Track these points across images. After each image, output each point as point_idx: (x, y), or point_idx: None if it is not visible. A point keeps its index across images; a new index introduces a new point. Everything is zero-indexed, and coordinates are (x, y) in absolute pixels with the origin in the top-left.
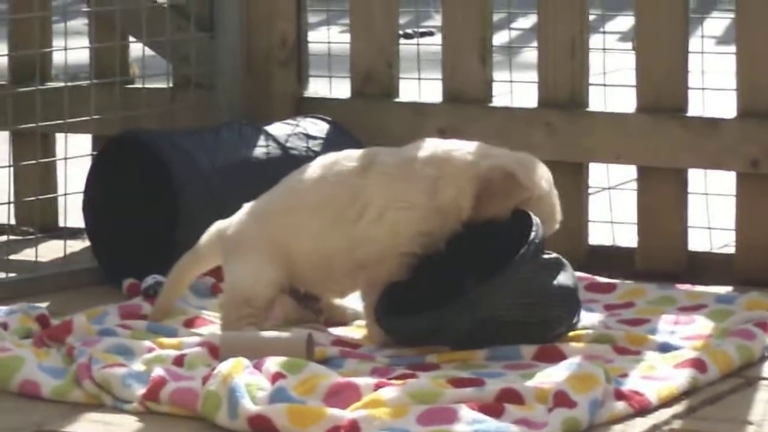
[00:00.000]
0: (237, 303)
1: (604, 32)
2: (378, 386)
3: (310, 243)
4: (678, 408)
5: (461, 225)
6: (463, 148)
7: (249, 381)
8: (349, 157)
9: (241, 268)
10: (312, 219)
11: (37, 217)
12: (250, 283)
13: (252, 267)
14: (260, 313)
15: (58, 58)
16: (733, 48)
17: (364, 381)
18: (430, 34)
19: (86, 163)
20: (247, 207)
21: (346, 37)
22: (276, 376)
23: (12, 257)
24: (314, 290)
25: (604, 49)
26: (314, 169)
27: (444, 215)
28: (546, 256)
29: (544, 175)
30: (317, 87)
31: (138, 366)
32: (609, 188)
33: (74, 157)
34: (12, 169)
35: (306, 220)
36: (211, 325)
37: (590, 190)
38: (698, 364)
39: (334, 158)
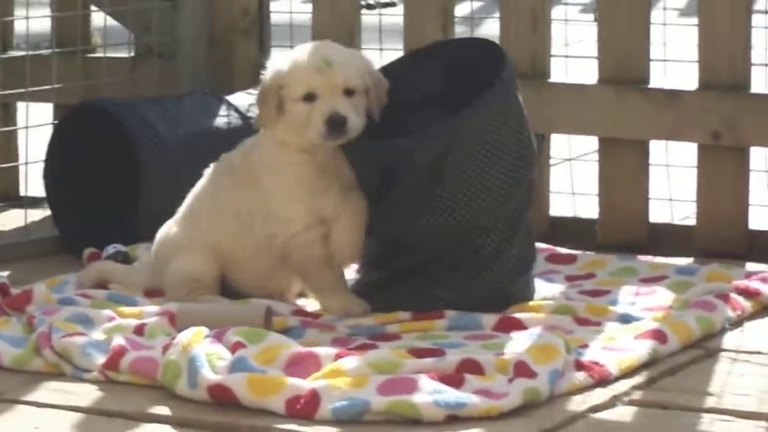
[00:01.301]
0: (184, 281)
1: (566, 4)
2: (338, 356)
3: (232, 243)
4: (638, 379)
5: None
6: None
7: (209, 350)
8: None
9: (181, 260)
10: (224, 220)
11: None
12: (194, 266)
13: (192, 256)
14: (208, 290)
15: (19, 26)
16: (695, 20)
17: (325, 351)
18: (392, 4)
19: (47, 132)
20: (179, 213)
21: (309, 7)
22: (236, 346)
23: None
24: (253, 291)
25: (566, 20)
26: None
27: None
28: None
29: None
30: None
31: (98, 335)
32: (570, 159)
33: (35, 126)
34: None
35: (228, 222)
36: None
37: (551, 161)
38: (658, 335)
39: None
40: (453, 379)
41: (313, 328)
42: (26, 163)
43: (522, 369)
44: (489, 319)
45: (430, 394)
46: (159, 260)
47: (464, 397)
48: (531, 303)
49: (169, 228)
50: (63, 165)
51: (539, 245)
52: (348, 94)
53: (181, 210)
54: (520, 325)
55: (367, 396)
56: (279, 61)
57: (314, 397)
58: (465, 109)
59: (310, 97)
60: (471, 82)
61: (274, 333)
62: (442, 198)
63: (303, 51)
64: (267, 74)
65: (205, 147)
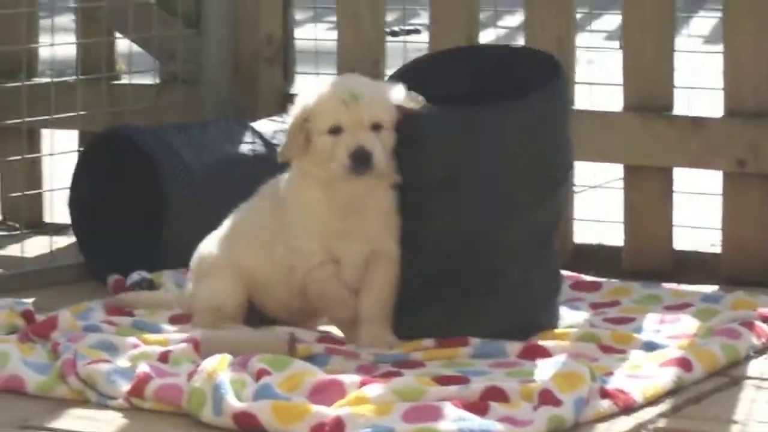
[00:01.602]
0: (209, 311)
1: (591, 31)
2: (363, 383)
3: (258, 268)
4: (663, 407)
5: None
6: None
7: (233, 378)
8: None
9: (208, 285)
10: (254, 244)
11: (23, 212)
12: (219, 294)
13: (218, 282)
14: (232, 320)
15: (44, 53)
16: (719, 47)
17: (349, 378)
18: (417, 31)
19: (72, 159)
20: (216, 231)
21: (333, 35)
22: (261, 373)
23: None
24: (278, 317)
25: (590, 47)
26: (263, 192)
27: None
28: None
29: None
30: (304, 84)
31: (123, 362)
32: (595, 186)
33: (61, 153)
34: None
35: (255, 247)
36: None
37: (576, 189)
38: (683, 363)
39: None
40: (478, 407)
41: (337, 355)
42: (51, 190)
43: (547, 397)
44: (514, 347)
45: (454, 421)
46: (194, 275)
47: (489, 424)
48: (556, 330)
49: (208, 244)
50: (88, 192)
51: (564, 273)
52: (375, 128)
53: (222, 227)
54: (544, 353)
55: (392, 424)
56: (306, 94)
57: (339, 425)
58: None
59: (335, 131)
60: (503, 85)
61: (298, 360)
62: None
63: (330, 84)
64: (294, 108)
65: (230, 174)
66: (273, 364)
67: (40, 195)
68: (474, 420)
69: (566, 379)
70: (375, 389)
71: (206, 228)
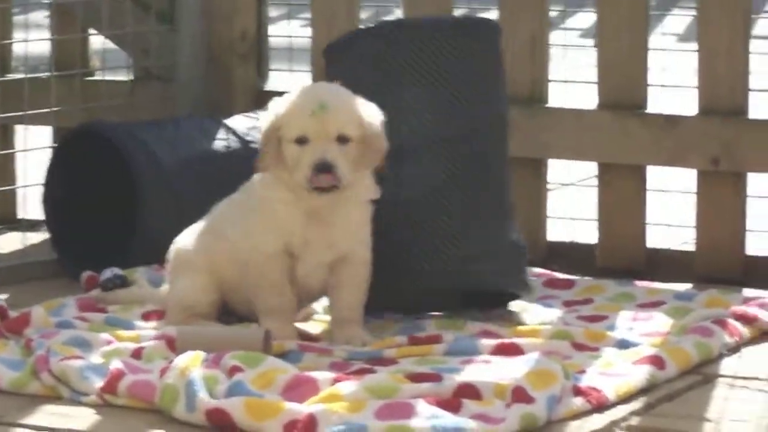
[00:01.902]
0: (181, 308)
1: (565, 29)
2: (336, 380)
3: (227, 263)
4: (636, 405)
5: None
6: None
7: (206, 374)
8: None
9: (182, 281)
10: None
11: None
12: (191, 293)
13: (191, 279)
14: (204, 318)
15: (18, 49)
16: (694, 45)
17: (322, 375)
18: None
19: (46, 156)
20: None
21: (308, 32)
22: (234, 370)
23: None
24: (246, 313)
25: (564, 45)
26: (241, 189)
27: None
28: None
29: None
30: (278, 81)
31: (96, 358)
32: (568, 184)
33: (34, 149)
34: None
35: (223, 241)
36: None
37: (549, 186)
38: (656, 361)
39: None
40: (451, 404)
41: (311, 352)
42: (25, 186)
43: (520, 394)
44: (487, 344)
45: (427, 419)
46: (169, 271)
47: (462, 422)
48: (528, 327)
49: (183, 239)
50: (61, 188)
51: (537, 270)
52: (341, 141)
53: (198, 223)
54: (517, 350)
55: (365, 420)
56: (278, 101)
57: (312, 422)
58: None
59: (302, 141)
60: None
61: (271, 357)
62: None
63: (302, 92)
64: (267, 116)
65: (204, 170)
66: (246, 361)
67: (13, 191)
68: (447, 417)
69: (539, 376)
70: (348, 386)
71: (180, 224)
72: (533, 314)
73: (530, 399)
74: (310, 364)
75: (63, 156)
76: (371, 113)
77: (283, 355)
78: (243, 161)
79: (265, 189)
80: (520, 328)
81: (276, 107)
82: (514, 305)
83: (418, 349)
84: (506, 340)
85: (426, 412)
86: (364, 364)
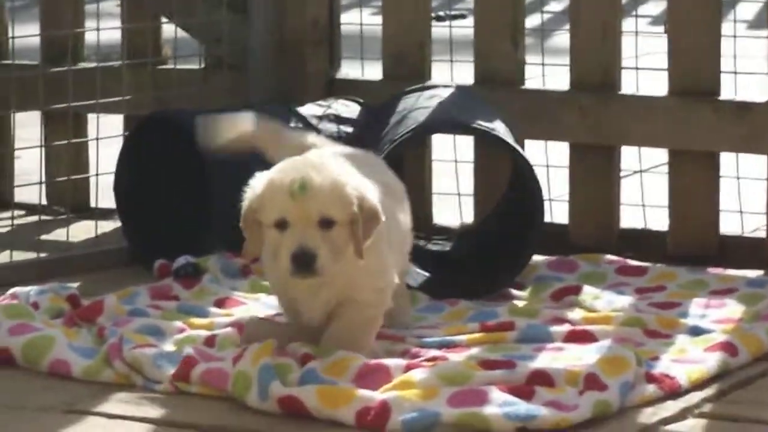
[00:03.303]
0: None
1: (636, 16)
2: (408, 367)
3: None
4: (708, 391)
5: None
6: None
7: (279, 362)
8: None
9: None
10: None
11: (68, 197)
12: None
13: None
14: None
15: (90, 38)
16: (764, 32)
17: (395, 362)
18: (462, 16)
19: (118, 144)
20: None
21: (378, 19)
22: (305, 358)
23: (43, 237)
24: None
25: (636, 32)
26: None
27: None
28: None
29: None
30: (349, 69)
31: (168, 346)
32: (640, 171)
33: (106, 137)
34: (44, 149)
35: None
36: (242, 306)
37: (622, 173)
38: (729, 348)
39: None
40: (523, 391)
41: (383, 339)
42: (97, 175)
43: (592, 381)
44: (559, 331)
45: (500, 406)
46: None
47: (534, 409)
48: (601, 314)
49: None
50: (133, 176)
51: (609, 257)
52: (324, 225)
53: None
54: (590, 337)
55: (438, 408)
56: (257, 180)
57: (385, 409)
58: None
59: (281, 225)
60: None
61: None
62: None
63: (282, 170)
64: (246, 196)
65: None
66: (318, 350)
67: (85, 179)
68: (520, 404)
69: (612, 363)
70: (421, 373)
71: None
72: (605, 301)
73: (603, 386)
74: (382, 352)
75: (135, 144)
76: (362, 191)
77: None
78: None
79: (266, 261)
80: (592, 315)
81: (254, 187)
82: (587, 292)
83: (490, 336)
84: (578, 327)
85: (498, 399)
86: (436, 351)
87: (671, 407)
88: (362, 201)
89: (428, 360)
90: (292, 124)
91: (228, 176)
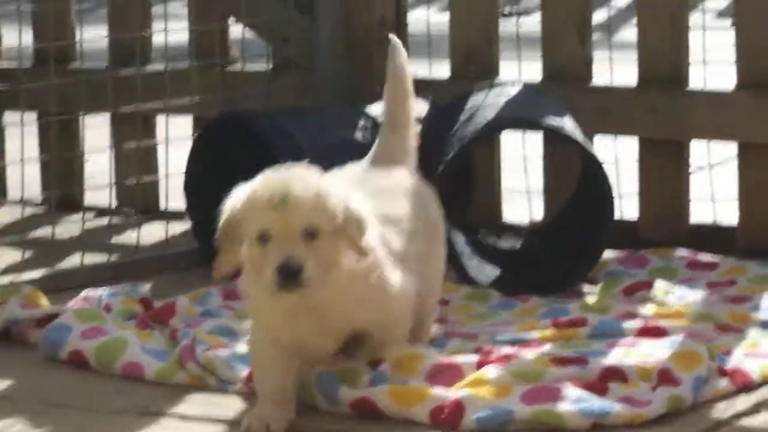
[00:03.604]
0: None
1: (703, 10)
2: (480, 365)
3: None
4: None
5: None
6: None
7: (347, 367)
8: None
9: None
10: None
11: (138, 199)
12: None
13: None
14: None
15: (157, 40)
16: None
17: (467, 360)
18: (527, 13)
19: (187, 145)
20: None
21: (445, 17)
22: (376, 362)
23: (114, 240)
24: None
25: (703, 26)
26: None
27: None
28: None
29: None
30: (416, 67)
31: (242, 347)
32: (710, 166)
33: (175, 139)
34: (113, 151)
35: None
36: None
37: (692, 168)
38: None
39: None
40: (597, 387)
41: (455, 337)
42: (167, 176)
43: (665, 376)
44: (631, 327)
45: (574, 402)
46: None
47: (608, 405)
48: (672, 310)
49: None
50: (203, 177)
51: (681, 252)
52: (309, 236)
53: None
54: (662, 333)
55: (511, 405)
56: (237, 193)
57: (458, 407)
58: None
59: (263, 238)
60: None
61: (416, 344)
62: None
63: (263, 182)
64: (225, 209)
65: (344, 158)
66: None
67: (155, 182)
68: (593, 401)
69: (685, 358)
70: (494, 371)
71: None
72: (677, 296)
73: (676, 381)
74: (454, 350)
75: (204, 145)
76: (346, 200)
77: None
78: None
79: (249, 286)
80: (663, 310)
81: (234, 200)
82: (658, 287)
83: (562, 333)
84: (650, 323)
85: (572, 396)
86: (509, 349)
87: (744, 401)
88: (347, 210)
89: (501, 357)
90: (362, 124)
91: None
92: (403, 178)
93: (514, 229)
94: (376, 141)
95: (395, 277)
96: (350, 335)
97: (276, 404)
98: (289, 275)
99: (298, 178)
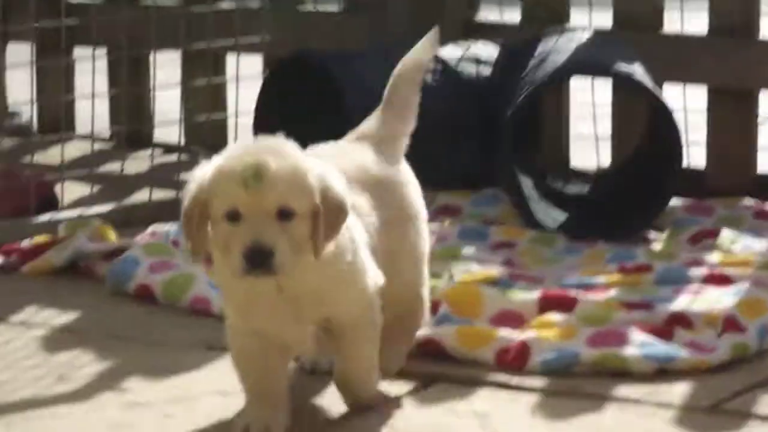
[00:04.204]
0: None
1: None
2: (543, 306)
3: None
4: None
5: None
6: None
7: None
8: None
9: None
10: None
11: (206, 136)
12: None
13: None
14: None
15: None
16: None
17: (532, 302)
18: None
19: (256, 85)
20: None
21: None
22: (435, 305)
23: (182, 177)
24: None
25: None
26: None
27: None
28: None
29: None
30: (488, 12)
31: None
32: None
33: (245, 77)
34: (183, 89)
35: None
36: None
37: (760, 119)
38: None
39: None
40: (662, 332)
41: (521, 280)
42: (236, 115)
43: (731, 324)
44: (696, 274)
45: (639, 347)
46: None
47: (673, 351)
48: (738, 258)
49: None
50: (272, 117)
51: (747, 202)
52: (283, 216)
53: None
54: (727, 281)
55: (577, 348)
56: (206, 168)
57: (524, 349)
58: None
59: (233, 217)
60: None
61: (482, 286)
62: None
63: (234, 155)
64: (190, 186)
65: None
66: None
67: (223, 120)
68: (658, 345)
69: (750, 306)
70: (559, 314)
71: None
72: (743, 245)
73: (741, 328)
74: (520, 293)
75: (274, 85)
76: (326, 178)
77: (494, 284)
78: (453, 91)
79: (215, 266)
80: (729, 258)
81: (200, 176)
82: (724, 236)
83: (628, 278)
84: (716, 271)
85: (637, 340)
86: (575, 293)
87: None
88: (326, 191)
89: (567, 301)
90: (432, 66)
91: (364, 116)
92: (375, 162)
93: (581, 175)
94: (367, 120)
95: (370, 266)
96: (323, 327)
97: (271, 407)
98: (259, 259)
99: (274, 151)
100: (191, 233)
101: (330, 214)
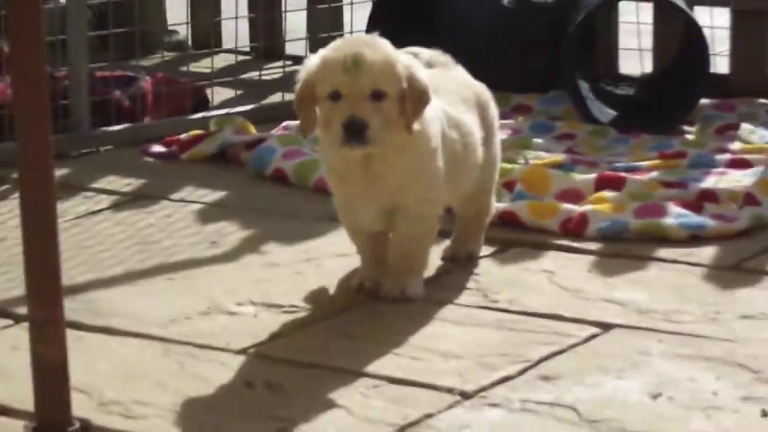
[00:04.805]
0: None
1: None
2: (599, 185)
3: None
4: None
5: None
6: None
7: None
8: None
9: None
10: None
11: None
12: None
13: None
14: None
15: None
16: None
17: (589, 181)
18: None
19: (367, 7)
20: None
21: None
22: (509, 184)
23: None
24: None
25: None
26: None
27: None
28: None
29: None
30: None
31: None
32: None
33: (358, 2)
34: (308, 10)
35: None
36: None
37: None
38: None
39: None
40: (694, 206)
41: (581, 165)
42: (350, 33)
43: (750, 199)
44: (722, 159)
45: (676, 218)
46: None
47: (703, 220)
48: (756, 146)
49: None
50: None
51: (762, 100)
52: (376, 97)
53: None
54: (747, 164)
55: (626, 218)
56: (313, 58)
57: (583, 219)
58: None
59: (334, 97)
60: None
61: (548, 168)
62: None
63: (337, 46)
64: (301, 73)
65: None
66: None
67: (342, 36)
68: (692, 217)
69: (765, 184)
70: (612, 191)
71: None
72: (759, 135)
73: (758, 202)
74: (579, 174)
75: (384, 6)
76: (412, 67)
77: (559, 166)
78: (525, 12)
79: (321, 149)
80: (749, 146)
81: (309, 64)
82: (744, 128)
83: (667, 162)
84: (738, 156)
85: (674, 212)
86: (625, 174)
87: None
88: (411, 78)
89: (618, 180)
90: None
91: (456, 41)
92: (465, 78)
93: (628, 80)
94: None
95: (439, 170)
96: (391, 208)
97: (380, 268)
98: (355, 131)
99: (370, 44)
100: (302, 112)
101: (415, 96)
